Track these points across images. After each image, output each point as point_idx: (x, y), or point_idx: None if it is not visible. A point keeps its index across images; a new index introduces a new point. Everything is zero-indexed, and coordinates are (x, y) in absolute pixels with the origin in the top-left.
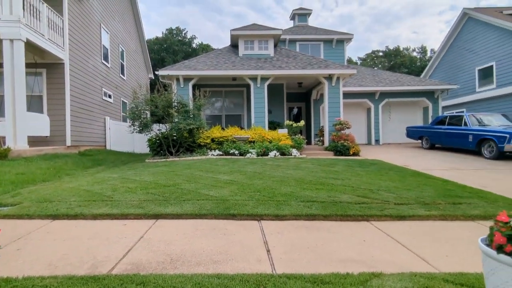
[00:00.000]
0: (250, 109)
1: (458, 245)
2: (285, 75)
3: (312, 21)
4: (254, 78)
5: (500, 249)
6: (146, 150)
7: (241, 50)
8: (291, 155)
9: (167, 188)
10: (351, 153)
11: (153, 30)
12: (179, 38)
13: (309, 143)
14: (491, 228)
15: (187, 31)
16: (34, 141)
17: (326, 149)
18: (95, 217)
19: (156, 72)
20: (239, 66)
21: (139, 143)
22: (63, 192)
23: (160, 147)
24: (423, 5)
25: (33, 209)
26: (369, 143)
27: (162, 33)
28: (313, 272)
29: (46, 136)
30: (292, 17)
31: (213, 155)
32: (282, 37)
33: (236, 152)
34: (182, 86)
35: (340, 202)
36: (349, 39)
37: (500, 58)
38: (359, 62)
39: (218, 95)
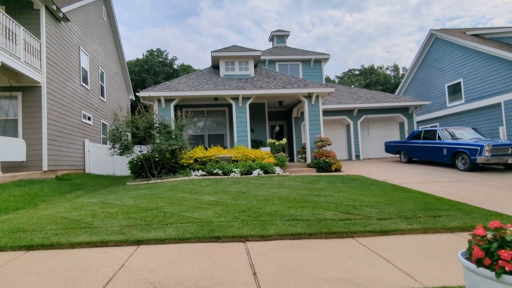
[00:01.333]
0: (233, 128)
1: (440, 258)
2: (266, 94)
3: (290, 42)
4: (235, 98)
5: (479, 262)
6: (127, 172)
7: (222, 71)
8: (275, 173)
9: (149, 212)
10: (333, 169)
11: (134, 51)
12: (160, 59)
13: (292, 160)
14: (470, 242)
15: (168, 53)
16: (9, 166)
17: (309, 166)
18: (73, 245)
19: (137, 94)
20: (221, 87)
21: (120, 166)
22: (39, 220)
23: (141, 169)
24: (393, 26)
25: (5, 240)
26: (350, 158)
27: (143, 55)
28: None
29: (22, 161)
30: (271, 39)
31: (197, 175)
32: (262, 57)
33: (220, 171)
34: (163, 107)
35: (324, 220)
36: (326, 59)
37: (466, 75)
38: (337, 80)
39: (200, 115)
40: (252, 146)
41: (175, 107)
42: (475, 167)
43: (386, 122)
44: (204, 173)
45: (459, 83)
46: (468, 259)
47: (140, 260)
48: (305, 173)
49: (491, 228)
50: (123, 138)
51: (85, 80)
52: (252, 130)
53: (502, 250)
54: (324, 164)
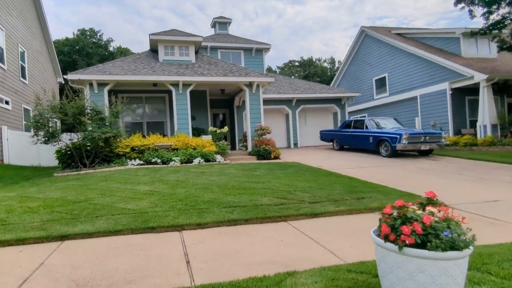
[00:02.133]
0: (173, 115)
1: (361, 236)
2: (207, 82)
3: (234, 30)
4: (175, 84)
5: (386, 238)
6: (55, 162)
7: (161, 56)
8: (216, 161)
9: (77, 205)
10: (273, 156)
11: (64, 29)
12: (94, 40)
13: (233, 148)
14: (380, 220)
15: (102, 33)
16: None
17: (250, 154)
18: None
19: (65, 76)
20: (160, 72)
21: (47, 156)
22: None
23: (71, 158)
24: (331, 21)
25: None
26: (288, 146)
27: (74, 34)
28: (232, 279)
29: None
30: (213, 25)
31: (133, 165)
32: (204, 44)
33: (159, 160)
34: (96, 91)
35: (261, 205)
36: (267, 49)
37: (391, 70)
38: (278, 71)
39: (139, 102)
40: (194, 134)
41: (110, 92)
42: (395, 154)
43: (322, 112)
44: (142, 162)
45: (385, 77)
46: (379, 235)
47: (63, 257)
48: (246, 161)
49: (396, 207)
50: (48, 125)
51: (0, 58)
52: (193, 118)
53: (404, 226)
54: (264, 152)
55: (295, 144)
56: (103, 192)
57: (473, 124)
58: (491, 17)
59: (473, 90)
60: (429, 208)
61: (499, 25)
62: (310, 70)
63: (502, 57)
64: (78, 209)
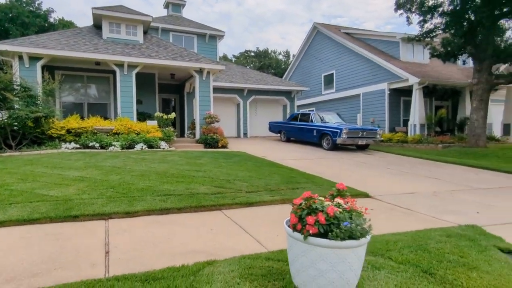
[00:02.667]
0: (117, 98)
1: None
2: (155, 64)
3: (191, 14)
4: (120, 65)
5: (294, 227)
6: None
7: (106, 33)
8: (160, 148)
9: None
10: (220, 145)
11: None
12: (31, 8)
13: (182, 135)
14: (292, 211)
15: (41, 1)
16: None
17: (197, 141)
18: None
19: None
20: (103, 50)
21: None
22: None
23: None
24: (289, 15)
25: None
26: (238, 136)
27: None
28: (150, 269)
29: None
30: (166, 6)
31: (68, 148)
32: (155, 25)
33: (97, 145)
34: (27, 66)
35: (197, 194)
36: (221, 36)
37: (338, 67)
38: (234, 59)
39: (79, 81)
40: (140, 119)
41: (45, 68)
42: (336, 147)
43: (273, 103)
44: (78, 146)
45: (332, 74)
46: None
47: None
48: (192, 149)
49: (304, 198)
50: None
51: None
52: (140, 102)
53: (309, 216)
54: (211, 140)
55: (245, 134)
56: (24, 177)
57: (406, 123)
58: (426, 25)
59: (408, 91)
60: (337, 200)
61: (431, 33)
62: (265, 62)
63: (433, 63)
64: None
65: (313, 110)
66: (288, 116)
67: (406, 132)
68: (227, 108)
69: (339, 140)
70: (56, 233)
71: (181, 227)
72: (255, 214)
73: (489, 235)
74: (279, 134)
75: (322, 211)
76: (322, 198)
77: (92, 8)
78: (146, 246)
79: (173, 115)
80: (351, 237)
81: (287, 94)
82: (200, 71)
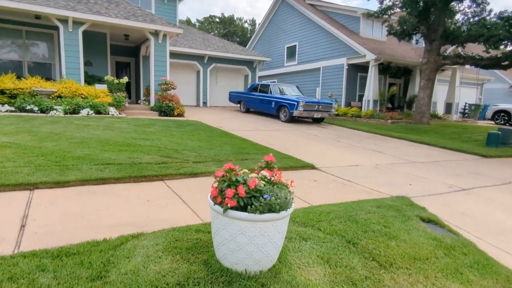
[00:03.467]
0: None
1: None
2: (105, 23)
3: None
4: (64, 21)
5: (215, 200)
6: None
7: None
8: (108, 114)
9: None
10: (176, 114)
11: None
12: None
13: (138, 102)
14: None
15: None
16: None
17: (152, 109)
18: None
19: None
20: (43, 2)
21: None
22: None
23: None
24: None
25: None
26: (198, 105)
27: None
28: (68, 243)
29: None
30: None
31: (1, 110)
32: None
33: (36, 108)
34: None
35: (139, 163)
36: None
37: (301, 39)
38: (197, 24)
39: (17, 36)
40: (89, 83)
41: None
42: (292, 119)
43: (234, 73)
44: (13, 109)
45: (295, 46)
46: None
47: None
48: (145, 116)
49: (225, 170)
50: None
51: None
52: (89, 64)
53: (229, 189)
54: (166, 108)
55: (205, 103)
56: None
57: (361, 98)
58: (385, 2)
59: (365, 67)
60: (263, 172)
61: (390, 10)
62: (230, 29)
63: (389, 41)
64: None
65: (275, 82)
66: (249, 86)
67: (361, 107)
68: (187, 75)
69: (295, 113)
70: None
71: (116, 198)
72: (198, 185)
73: (415, 206)
74: (239, 105)
75: (244, 183)
76: (247, 170)
77: None
78: (72, 219)
79: (125, 79)
80: (271, 210)
81: (249, 63)
82: (155, 34)
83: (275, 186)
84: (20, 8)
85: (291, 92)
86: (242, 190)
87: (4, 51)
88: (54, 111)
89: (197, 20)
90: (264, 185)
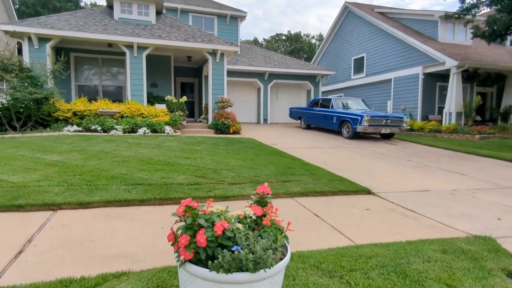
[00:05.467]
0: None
1: None
2: (166, 45)
3: None
4: (130, 46)
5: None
6: None
7: (117, 13)
8: (164, 132)
9: None
10: (231, 131)
11: None
12: None
13: (198, 120)
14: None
15: None
16: None
17: (209, 127)
18: None
19: None
20: (112, 31)
21: None
22: None
23: (0, 120)
24: None
25: None
26: (258, 122)
27: None
28: (40, 280)
29: None
30: None
31: (69, 131)
32: (174, 5)
33: (99, 128)
34: (36, 47)
35: (170, 184)
36: (243, 17)
37: (369, 50)
38: (264, 43)
39: (94, 63)
40: (153, 103)
41: (61, 50)
42: (356, 135)
43: (295, 88)
44: (80, 129)
45: (363, 57)
46: None
47: None
48: (200, 134)
49: (184, 207)
50: None
51: None
52: (155, 85)
53: (183, 235)
54: (222, 126)
55: (265, 120)
56: None
57: (441, 110)
58: (467, 0)
59: (445, 76)
60: (247, 210)
61: (474, 9)
62: (297, 45)
63: (476, 45)
64: None
65: (341, 96)
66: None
67: (441, 121)
68: (247, 93)
69: (359, 128)
70: None
71: (130, 222)
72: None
73: (502, 252)
74: (299, 121)
75: (210, 227)
76: (221, 208)
77: None
78: (71, 246)
79: (184, 98)
80: (242, 268)
81: (312, 78)
82: (213, 53)
83: (262, 230)
84: (94, 38)
85: (355, 106)
86: (202, 237)
87: (84, 77)
88: (115, 130)
89: (264, 39)
90: (249, 227)
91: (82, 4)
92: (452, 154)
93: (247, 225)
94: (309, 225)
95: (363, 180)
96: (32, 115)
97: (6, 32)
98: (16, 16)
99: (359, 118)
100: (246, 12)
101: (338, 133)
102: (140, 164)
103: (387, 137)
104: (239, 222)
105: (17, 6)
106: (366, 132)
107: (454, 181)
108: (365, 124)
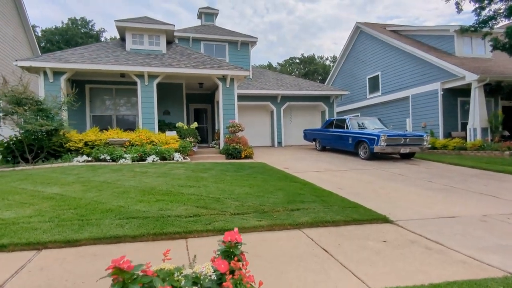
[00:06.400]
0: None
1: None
2: (175, 73)
3: (243, 26)
4: (141, 76)
5: None
6: None
7: (129, 44)
8: (173, 159)
9: None
10: (243, 156)
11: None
12: (85, 30)
13: (210, 146)
14: None
15: (94, 23)
16: None
17: (220, 152)
18: None
19: (15, 63)
20: (123, 61)
21: None
22: None
23: (12, 153)
24: (341, 21)
25: None
26: (272, 145)
27: (62, 23)
28: None
29: None
30: (199, 16)
31: (79, 161)
32: (186, 35)
33: (108, 157)
34: (51, 80)
35: (168, 217)
36: (254, 42)
37: (384, 68)
38: (278, 67)
39: (108, 93)
40: (164, 130)
41: (76, 82)
42: (374, 156)
43: (309, 110)
44: (90, 159)
45: (378, 76)
46: None
47: None
48: (210, 160)
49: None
50: None
51: None
52: (167, 113)
53: None
54: (233, 151)
55: (279, 143)
56: None
57: (464, 127)
58: (483, 13)
59: (466, 91)
60: (207, 266)
61: (491, 21)
62: (311, 68)
63: (496, 57)
64: None
65: (358, 115)
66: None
67: (465, 138)
68: (260, 116)
69: (376, 149)
70: None
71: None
72: (211, 246)
73: None
74: (314, 143)
75: None
76: (169, 266)
77: (115, 21)
78: None
79: (194, 124)
80: None
81: (325, 99)
82: (223, 78)
83: None
84: (106, 69)
85: (372, 125)
86: None
87: (98, 107)
88: (123, 159)
89: (278, 64)
90: None
91: (102, 39)
92: (480, 173)
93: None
94: (316, 264)
95: (380, 206)
96: (44, 147)
97: (23, 67)
98: (40, 53)
99: (376, 138)
100: (257, 38)
101: (355, 154)
102: (141, 195)
103: (407, 156)
104: (194, 284)
105: (43, 43)
106: (384, 152)
107: (484, 204)
108: (382, 144)
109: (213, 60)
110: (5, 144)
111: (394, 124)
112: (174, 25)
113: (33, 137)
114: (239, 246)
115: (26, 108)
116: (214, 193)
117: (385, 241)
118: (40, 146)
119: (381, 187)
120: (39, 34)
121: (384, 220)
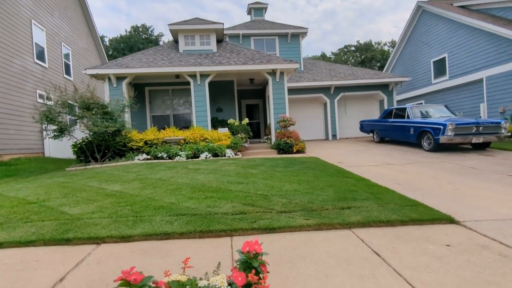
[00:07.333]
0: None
1: (294, 265)
2: (226, 71)
3: (296, 17)
4: (193, 75)
5: None
6: None
7: (182, 46)
8: (225, 156)
9: (28, 206)
10: (295, 150)
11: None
12: (146, 35)
13: (262, 141)
14: None
15: (153, 28)
16: None
17: (272, 147)
18: None
19: (83, 71)
20: (177, 63)
21: None
22: None
23: (84, 153)
24: (402, 1)
25: None
26: (326, 138)
27: (126, 31)
28: None
29: None
30: (249, 12)
31: (139, 159)
32: (235, 32)
33: (165, 155)
34: (114, 85)
35: (215, 214)
36: (304, 33)
37: (451, 49)
38: (332, 57)
39: (165, 94)
40: (218, 127)
41: (137, 85)
42: (440, 147)
43: (365, 99)
44: (149, 157)
45: (444, 58)
46: None
47: None
48: (261, 156)
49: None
50: (57, 120)
51: (41, 57)
52: (220, 110)
53: None
54: (284, 146)
55: (334, 136)
56: (68, 192)
57: None
58: None
59: None
60: (219, 279)
61: None
62: (367, 55)
63: None
64: (14, 212)
65: (421, 103)
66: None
67: None
68: (313, 109)
69: (442, 139)
70: (28, 260)
71: (162, 259)
72: (268, 245)
73: None
74: (371, 134)
75: None
76: (183, 279)
77: (168, 24)
78: None
79: (246, 120)
80: None
81: (384, 87)
82: (273, 73)
83: None
84: (161, 72)
85: (437, 113)
86: None
87: (156, 108)
88: (179, 157)
89: (332, 53)
90: None
91: (161, 43)
92: None
93: None
94: (365, 268)
95: (445, 204)
96: (110, 146)
97: (91, 75)
98: (107, 61)
99: (442, 127)
100: (307, 28)
101: (418, 146)
102: (191, 192)
103: (481, 147)
104: None
105: (110, 52)
106: (452, 142)
107: None
108: (449, 133)
109: (262, 55)
110: (78, 146)
111: (465, 111)
112: (223, 24)
113: (100, 138)
114: (257, 257)
115: (93, 112)
116: (262, 189)
117: (448, 245)
118: (106, 146)
119: (448, 182)
120: (107, 44)
121: (449, 220)
